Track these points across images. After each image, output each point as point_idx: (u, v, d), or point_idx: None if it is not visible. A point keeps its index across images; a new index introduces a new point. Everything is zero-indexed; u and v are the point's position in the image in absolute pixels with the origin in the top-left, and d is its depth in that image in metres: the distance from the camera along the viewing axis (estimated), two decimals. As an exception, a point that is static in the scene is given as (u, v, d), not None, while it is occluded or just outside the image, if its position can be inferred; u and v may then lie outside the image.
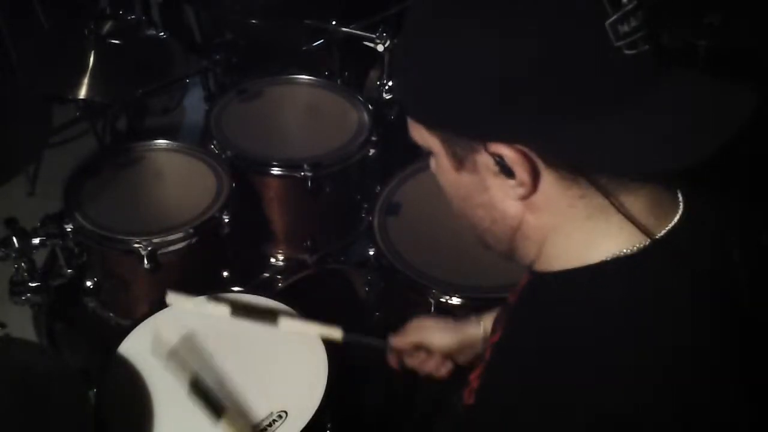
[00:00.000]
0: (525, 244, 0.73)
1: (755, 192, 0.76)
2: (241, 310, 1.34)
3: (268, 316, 1.33)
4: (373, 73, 2.20)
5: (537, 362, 0.66)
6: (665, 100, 0.62)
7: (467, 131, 0.67)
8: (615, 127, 0.61)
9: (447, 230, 1.63)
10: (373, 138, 1.88)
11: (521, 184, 0.66)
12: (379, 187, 1.75)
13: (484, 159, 0.67)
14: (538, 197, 0.67)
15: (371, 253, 1.67)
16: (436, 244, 1.59)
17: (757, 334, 0.67)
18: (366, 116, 1.94)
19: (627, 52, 0.61)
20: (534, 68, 0.60)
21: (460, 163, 0.69)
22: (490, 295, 1.45)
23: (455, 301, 1.45)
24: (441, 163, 0.72)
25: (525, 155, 0.64)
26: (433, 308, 1.45)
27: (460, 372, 1.19)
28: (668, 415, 0.60)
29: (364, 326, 1.63)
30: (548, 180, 0.65)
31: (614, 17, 0.60)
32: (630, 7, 0.61)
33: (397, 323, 1.25)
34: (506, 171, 0.65)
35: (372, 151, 1.88)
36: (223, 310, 1.34)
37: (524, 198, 0.67)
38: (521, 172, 0.65)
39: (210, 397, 1.18)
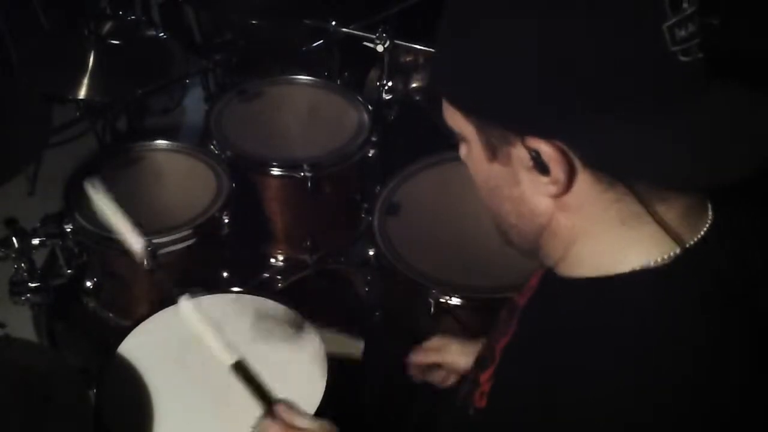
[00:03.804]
0: (551, 243, 0.70)
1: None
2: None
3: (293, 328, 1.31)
4: (373, 74, 2.20)
5: (556, 367, 0.65)
6: (713, 112, 0.61)
7: (506, 122, 0.65)
8: (660, 135, 0.59)
9: (447, 230, 1.63)
10: (373, 138, 1.88)
11: (555, 182, 0.64)
12: (379, 187, 1.75)
13: (519, 152, 0.65)
14: (570, 197, 0.65)
15: (371, 253, 1.67)
16: (436, 244, 1.60)
17: None
18: (366, 116, 1.94)
19: (682, 58, 0.59)
20: (583, 65, 0.58)
21: (493, 153, 0.67)
22: (490, 295, 1.45)
23: (455, 301, 1.45)
24: (473, 151, 0.70)
25: (563, 153, 0.62)
26: (432, 308, 1.45)
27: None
28: (686, 428, 0.59)
29: (365, 326, 1.63)
30: (584, 181, 0.63)
31: (673, 20, 0.58)
32: (690, 11, 0.59)
33: (397, 323, 1.25)
34: (541, 167, 0.63)
35: (372, 151, 1.88)
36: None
37: (556, 196, 0.65)
38: (557, 170, 0.63)
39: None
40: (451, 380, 1.19)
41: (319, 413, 1.22)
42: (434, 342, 1.21)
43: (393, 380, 1.61)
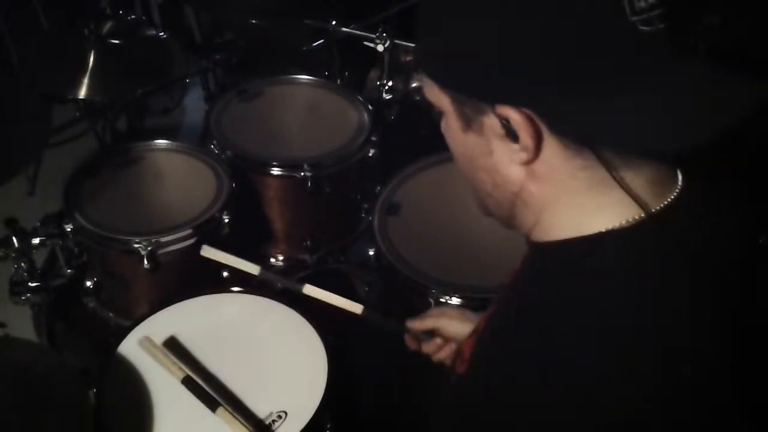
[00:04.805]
0: (524, 211, 0.73)
1: (756, 188, 0.77)
2: (269, 272, 1.36)
3: (294, 282, 1.34)
4: (373, 73, 2.20)
5: (528, 331, 0.67)
6: (674, 82, 0.63)
7: (477, 92, 0.68)
8: (622, 103, 0.62)
9: (447, 230, 1.63)
10: (373, 138, 1.88)
11: (524, 149, 0.67)
12: (379, 187, 1.75)
13: (490, 121, 0.68)
14: (540, 164, 0.68)
15: (371, 253, 1.67)
16: (436, 244, 1.60)
17: (746, 312, 0.68)
18: (366, 116, 1.94)
19: (642, 28, 0.61)
20: (547, 35, 0.61)
21: (467, 124, 0.71)
22: (490, 295, 1.45)
23: (455, 301, 1.45)
24: (450, 122, 0.73)
25: (530, 119, 0.65)
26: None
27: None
28: (654, 387, 0.61)
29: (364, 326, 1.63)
30: (551, 147, 0.66)
31: None
32: None
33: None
34: (511, 134, 0.66)
35: (372, 151, 1.88)
36: (253, 268, 1.35)
37: (527, 163, 0.68)
38: (525, 137, 0.65)
39: (203, 391, 1.20)
40: (446, 351, 1.19)
41: (319, 413, 1.22)
42: (432, 310, 1.23)
43: (392, 380, 1.61)
